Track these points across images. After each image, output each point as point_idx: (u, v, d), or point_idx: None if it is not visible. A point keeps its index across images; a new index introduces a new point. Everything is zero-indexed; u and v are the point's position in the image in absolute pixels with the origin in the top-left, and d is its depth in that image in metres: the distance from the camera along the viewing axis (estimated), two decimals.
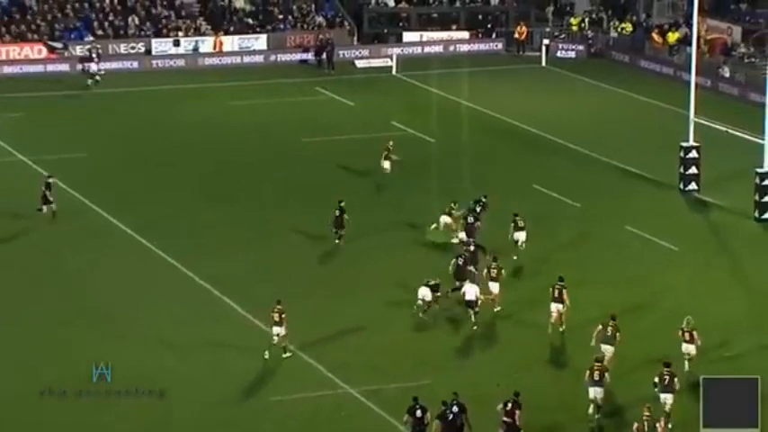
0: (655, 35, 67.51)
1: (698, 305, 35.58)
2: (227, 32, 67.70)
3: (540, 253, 39.99)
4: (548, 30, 70.11)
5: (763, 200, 43.72)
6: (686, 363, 32.34)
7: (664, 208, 45.13)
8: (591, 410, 30.41)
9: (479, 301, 35.27)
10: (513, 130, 54.77)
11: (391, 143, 47.33)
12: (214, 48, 67.07)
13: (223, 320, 35.83)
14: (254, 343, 33.81)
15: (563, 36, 70.14)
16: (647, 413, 28.57)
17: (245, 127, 55.41)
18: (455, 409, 29.11)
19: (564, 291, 34.70)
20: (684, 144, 46.85)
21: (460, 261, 36.72)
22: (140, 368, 32.65)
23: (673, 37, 65.78)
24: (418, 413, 28.96)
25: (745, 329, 34.53)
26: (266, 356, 33.11)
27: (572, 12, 72.15)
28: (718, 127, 46.93)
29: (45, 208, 42.58)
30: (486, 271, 36.23)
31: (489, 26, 71.09)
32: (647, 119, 57.37)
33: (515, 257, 39.53)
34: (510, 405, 29.23)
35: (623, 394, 31.37)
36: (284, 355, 33.26)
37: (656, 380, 30.36)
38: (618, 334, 32.56)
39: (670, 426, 29.54)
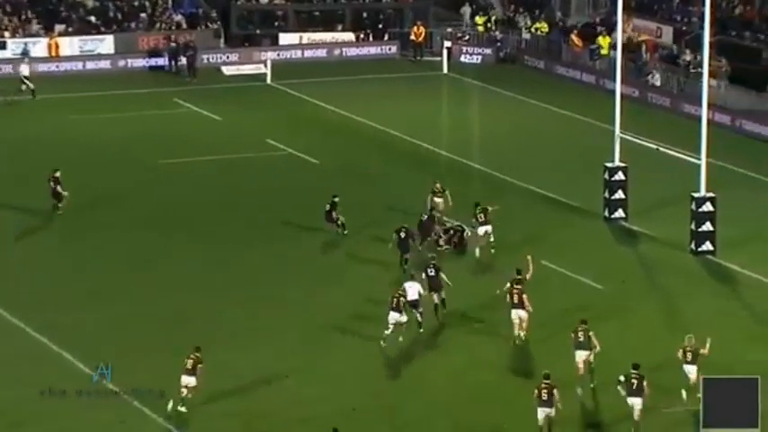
0: (574, 37, 69.09)
1: (626, 351, 36.34)
2: (64, 33, 67.76)
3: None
4: (450, 31, 71.35)
5: (699, 229, 44.91)
6: (684, 392, 34.12)
7: (586, 239, 46.05)
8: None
9: (421, 300, 38.09)
10: (410, 149, 55.67)
11: (438, 185, 46.78)
12: (49, 51, 67.14)
13: (64, 380, 35.35)
14: (101, 405, 33.79)
15: (467, 38, 71.44)
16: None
17: (88, 146, 55.58)
18: None
19: (524, 296, 37.39)
20: (609, 165, 47.85)
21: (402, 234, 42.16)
22: None
23: (605, 42, 66.92)
24: None
25: (680, 377, 35.40)
26: (181, 409, 33.42)
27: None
28: (647, 144, 48.14)
29: (60, 204, 46.86)
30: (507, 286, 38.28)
31: (381, 26, 72.08)
32: (565, 134, 58.62)
33: (492, 250, 43.52)
34: None
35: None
36: (180, 407, 33.45)
37: (622, 378, 32.87)
38: (592, 337, 35.09)
39: None
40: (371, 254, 43.71)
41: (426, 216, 44.53)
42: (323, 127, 58.84)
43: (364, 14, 72.40)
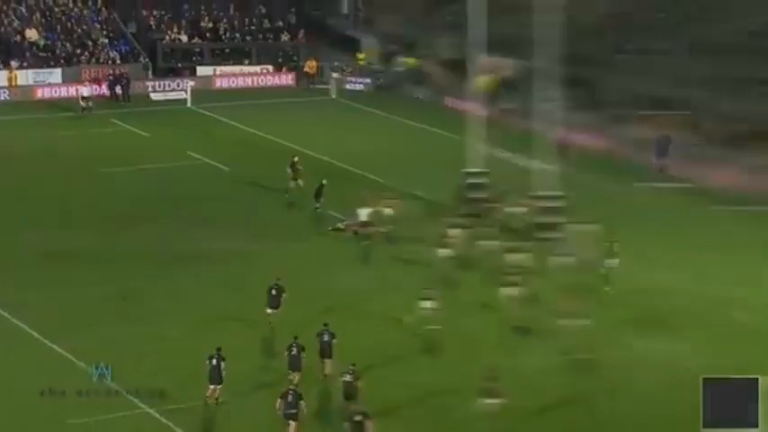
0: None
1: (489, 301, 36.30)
2: (20, 67, 66.31)
3: (334, 271, 40.45)
4: (336, 64, 71.09)
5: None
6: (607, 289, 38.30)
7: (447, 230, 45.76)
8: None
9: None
10: (305, 159, 54.82)
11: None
12: (8, 82, 65.53)
13: (17, 345, 34.70)
14: (51, 366, 33.06)
15: (351, 70, 71.12)
16: None
17: (42, 157, 54.48)
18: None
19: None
20: (466, 170, 47.47)
21: None
22: None
23: (487, 83, 66.13)
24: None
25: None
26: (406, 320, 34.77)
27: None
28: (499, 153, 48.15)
29: (299, 183, 47.93)
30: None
31: (280, 61, 71.69)
32: (428, 145, 58.29)
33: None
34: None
35: None
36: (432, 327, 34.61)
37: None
38: None
39: None
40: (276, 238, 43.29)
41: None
42: (233, 141, 58.18)
43: (268, 51, 71.89)
